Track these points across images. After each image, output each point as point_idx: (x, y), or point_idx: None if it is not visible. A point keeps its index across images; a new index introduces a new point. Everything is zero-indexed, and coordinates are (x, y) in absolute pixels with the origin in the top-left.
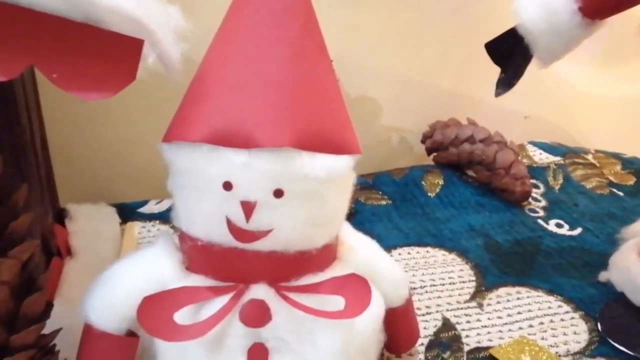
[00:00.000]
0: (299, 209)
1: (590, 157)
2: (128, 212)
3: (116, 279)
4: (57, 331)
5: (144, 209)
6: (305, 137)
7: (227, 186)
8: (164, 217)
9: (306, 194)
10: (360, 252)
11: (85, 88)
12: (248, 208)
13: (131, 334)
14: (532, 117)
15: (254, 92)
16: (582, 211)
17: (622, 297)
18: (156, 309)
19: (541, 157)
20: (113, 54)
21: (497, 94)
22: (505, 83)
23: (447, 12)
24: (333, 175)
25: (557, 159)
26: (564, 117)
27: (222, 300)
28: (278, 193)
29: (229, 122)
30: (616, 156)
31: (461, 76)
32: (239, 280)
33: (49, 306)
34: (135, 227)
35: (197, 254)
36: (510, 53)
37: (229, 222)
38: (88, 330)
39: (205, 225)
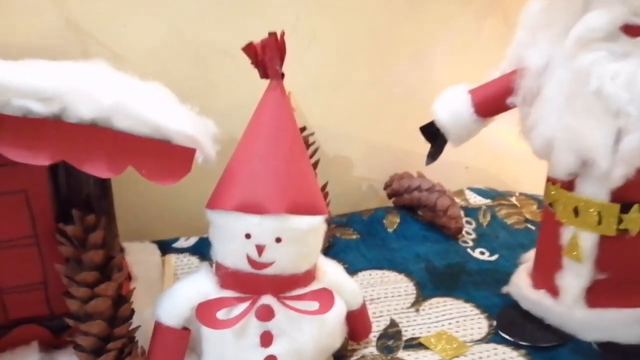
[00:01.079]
0: (290, 249)
1: (514, 199)
2: (165, 247)
3: (177, 292)
4: (137, 327)
5: (176, 244)
6: (294, 207)
7: (247, 236)
8: (192, 250)
9: (295, 240)
10: (329, 274)
11: (161, 178)
12: (260, 249)
13: (185, 329)
14: (472, 167)
15: (263, 179)
16: (501, 242)
17: (515, 303)
18: (205, 310)
19: (475, 200)
20: (178, 158)
21: (427, 164)
22: (432, 156)
23: (402, 95)
24: (311, 228)
25: (488, 201)
26: (497, 166)
27: (244, 305)
28: (278, 240)
29: (248, 198)
30: (534, 198)
31: (414, 139)
32: (254, 292)
33: (132, 311)
34: (172, 258)
35: (227, 277)
36: (434, 136)
37: (248, 257)
38: (158, 326)
39: (233, 259)
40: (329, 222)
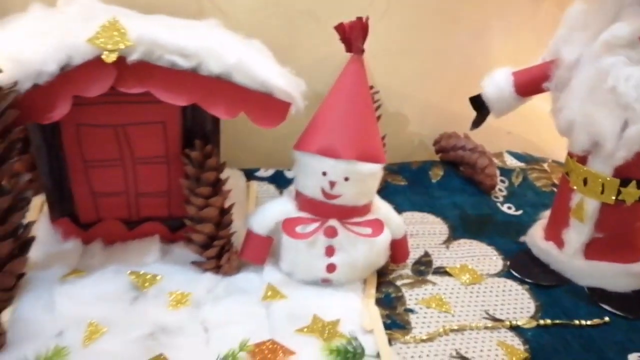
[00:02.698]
0: (355, 186)
1: (545, 165)
2: (249, 175)
3: (266, 209)
4: (234, 232)
5: (258, 174)
6: (361, 155)
7: (324, 174)
8: (270, 180)
9: (359, 180)
10: (381, 209)
11: (263, 123)
12: (332, 184)
13: (269, 237)
14: (513, 133)
15: (340, 131)
16: (527, 200)
17: (528, 250)
18: (288, 225)
19: (512, 162)
20: (277, 108)
21: (471, 129)
22: (476, 124)
23: (459, 63)
24: (372, 172)
25: (522, 164)
26: (535, 134)
27: (315, 224)
28: (346, 179)
29: (327, 145)
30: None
31: (464, 104)
32: (324, 216)
33: (232, 220)
34: (254, 185)
35: (305, 202)
36: (480, 107)
37: (322, 190)
38: (249, 233)
39: (311, 190)
40: (384, 168)
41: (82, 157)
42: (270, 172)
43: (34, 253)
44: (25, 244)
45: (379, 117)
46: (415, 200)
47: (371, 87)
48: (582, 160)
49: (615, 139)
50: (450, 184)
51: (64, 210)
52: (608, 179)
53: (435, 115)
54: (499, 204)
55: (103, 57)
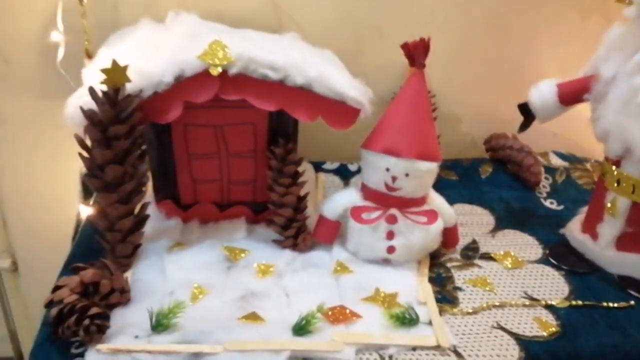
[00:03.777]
0: (413, 181)
1: (588, 164)
2: (317, 167)
3: (336, 197)
4: (308, 216)
5: (325, 166)
6: (420, 154)
7: (387, 170)
8: (335, 172)
9: (418, 176)
10: (436, 200)
11: (337, 126)
12: (394, 179)
13: (337, 222)
14: (559, 135)
15: (402, 133)
16: (569, 196)
17: (566, 241)
18: (355, 211)
19: (556, 161)
20: (348, 114)
21: (519, 132)
22: (522, 128)
23: (510, 70)
24: (429, 169)
25: (566, 163)
26: (580, 136)
27: (378, 212)
28: (407, 175)
29: (391, 145)
30: None
31: (513, 107)
32: (385, 206)
33: (306, 206)
34: (322, 176)
35: (369, 193)
36: (527, 113)
37: (385, 183)
38: (321, 217)
39: (375, 183)
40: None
41: (187, 151)
42: (335, 165)
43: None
44: (142, 220)
45: (435, 119)
46: (465, 193)
47: (429, 92)
48: (617, 163)
49: None
50: (498, 180)
51: (167, 194)
52: (639, 180)
53: (486, 117)
54: (542, 199)
55: (210, 70)
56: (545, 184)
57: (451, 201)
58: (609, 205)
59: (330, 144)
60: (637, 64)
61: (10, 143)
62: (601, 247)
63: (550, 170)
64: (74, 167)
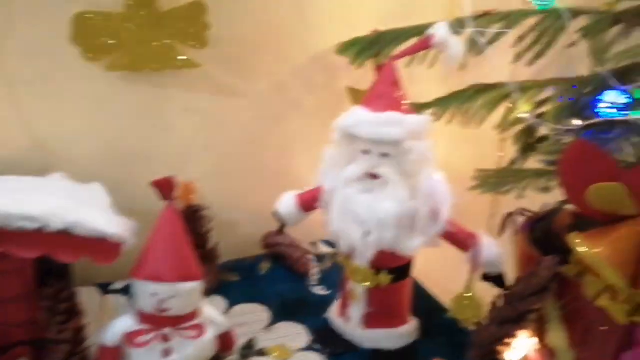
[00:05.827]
0: (180, 301)
1: None
2: (104, 289)
3: (113, 326)
4: (89, 347)
5: (113, 287)
6: (181, 276)
7: (153, 294)
8: (123, 291)
9: (183, 296)
10: (206, 312)
11: (101, 261)
12: (161, 301)
13: (119, 347)
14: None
15: (162, 257)
16: (335, 281)
17: (330, 324)
18: (129, 337)
19: (324, 249)
20: (111, 248)
21: (278, 233)
22: (280, 232)
23: (270, 178)
24: (192, 289)
25: (332, 250)
26: None
27: (153, 334)
28: (173, 297)
29: (153, 271)
30: None
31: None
32: (159, 326)
33: (85, 338)
34: (108, 299)
35: (143, 317)
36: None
37: (154, 306)
38: (101, 347)
39: (146, 306)
40: (218, 268)
41: None
42: (123, 284)
43: None
44: None
45: (210, 230)
46: (247, 291)
47: (201, 206)
48: (350, 256)
49: (362, 244)
50: (276, 274)
51: None
52: (366, 269)
53: (260, 218)
54: (313, 287)
55: None
56: (315, 272)
57: (233, 303)
58: (350, 291)
59: (118, 264)
60: (345, 178)
61: None
62: (353, 326)
63: (320, 258)
64: None
